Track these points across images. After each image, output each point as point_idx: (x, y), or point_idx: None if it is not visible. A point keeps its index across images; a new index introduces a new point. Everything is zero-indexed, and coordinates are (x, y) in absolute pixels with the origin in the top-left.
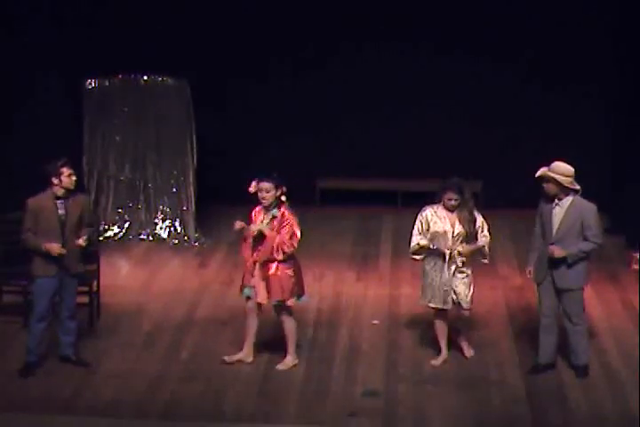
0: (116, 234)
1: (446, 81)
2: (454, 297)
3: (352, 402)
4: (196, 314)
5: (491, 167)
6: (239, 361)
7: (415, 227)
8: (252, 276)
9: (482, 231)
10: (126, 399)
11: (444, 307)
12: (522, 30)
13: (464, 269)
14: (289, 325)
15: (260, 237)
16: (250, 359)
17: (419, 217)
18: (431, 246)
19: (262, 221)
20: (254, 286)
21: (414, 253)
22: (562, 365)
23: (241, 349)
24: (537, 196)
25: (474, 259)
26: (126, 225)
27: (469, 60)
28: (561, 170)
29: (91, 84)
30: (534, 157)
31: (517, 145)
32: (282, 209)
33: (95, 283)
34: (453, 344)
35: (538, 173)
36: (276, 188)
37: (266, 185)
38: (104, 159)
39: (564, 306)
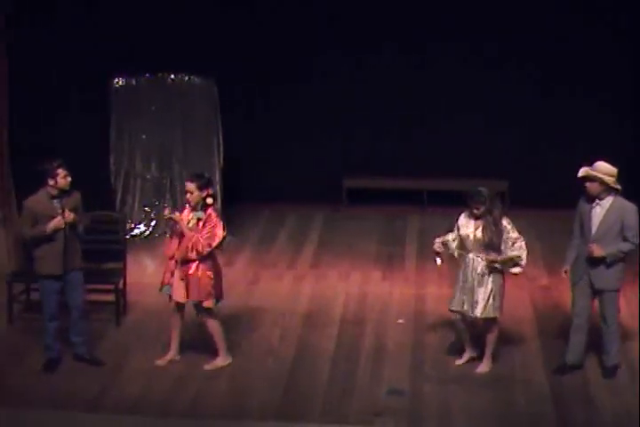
0: (142, 232)
1: (472, 81)
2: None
3: (377, 401)
4: (221, 312)
5: (517, 167)
6: (171, 361)
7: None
8: (172, 274)
9: (511, 244)
10: (152, 397)
11: (458, 309)
12: (545, 32)
13: (483, 279)
14: (211, 325)
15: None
16: (178, 357)
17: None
18: (449, 249)
19: (189, 222)
20: (172, 285)
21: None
22: (587, 364)
23: (170, 349)
24: (563, 195)
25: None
26: (152, 223)
27: (495, 61)
28: (605, 169)
29: (118, 82)
30: (561, 156)
31: (544, 145)
32: (208, 211)
33: (121, 281)
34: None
35: (581, 173)
36: (200, 189)
37: (189, 186)
38: (131, 158)
39: (600, 307)
